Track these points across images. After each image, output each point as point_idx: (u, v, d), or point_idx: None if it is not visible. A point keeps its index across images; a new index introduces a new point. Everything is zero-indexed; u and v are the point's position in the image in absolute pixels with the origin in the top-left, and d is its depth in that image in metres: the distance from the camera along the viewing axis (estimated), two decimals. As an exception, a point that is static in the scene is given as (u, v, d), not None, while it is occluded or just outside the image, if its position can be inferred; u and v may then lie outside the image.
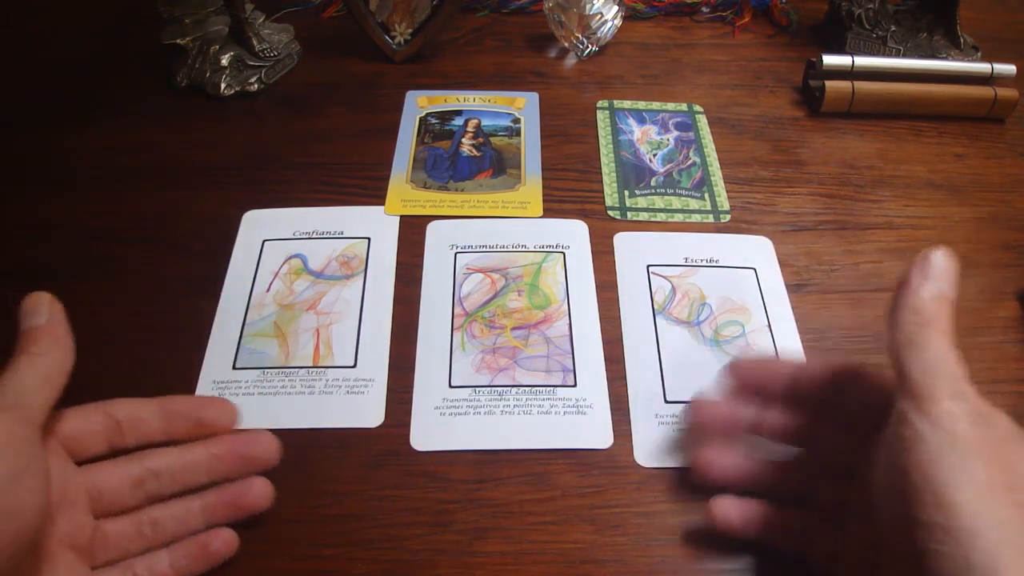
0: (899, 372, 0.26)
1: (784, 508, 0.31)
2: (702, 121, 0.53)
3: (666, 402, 0.37)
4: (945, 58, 0.57)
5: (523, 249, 0.44)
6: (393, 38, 0.56)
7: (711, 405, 0.33)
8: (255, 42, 0.54)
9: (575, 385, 0.38)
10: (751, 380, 0.33)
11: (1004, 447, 0.24)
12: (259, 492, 0.31)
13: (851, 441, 0.30)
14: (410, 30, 0.56)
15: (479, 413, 0.36)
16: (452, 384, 0.37)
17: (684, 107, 0.54)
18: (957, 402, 0.25)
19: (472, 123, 0.52)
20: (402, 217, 0.45)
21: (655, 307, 0.41)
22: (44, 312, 0.29)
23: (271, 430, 0.35)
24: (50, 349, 0.28)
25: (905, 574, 0.25)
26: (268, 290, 0.41)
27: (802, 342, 0.40)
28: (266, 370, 0.38)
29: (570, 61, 0.59)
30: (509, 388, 0.37)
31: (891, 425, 0.26)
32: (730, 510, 0.31)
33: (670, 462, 0.35)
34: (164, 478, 0.30)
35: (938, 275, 0.27)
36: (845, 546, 0.29)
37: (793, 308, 0.41)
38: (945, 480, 0.23)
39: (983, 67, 0.54)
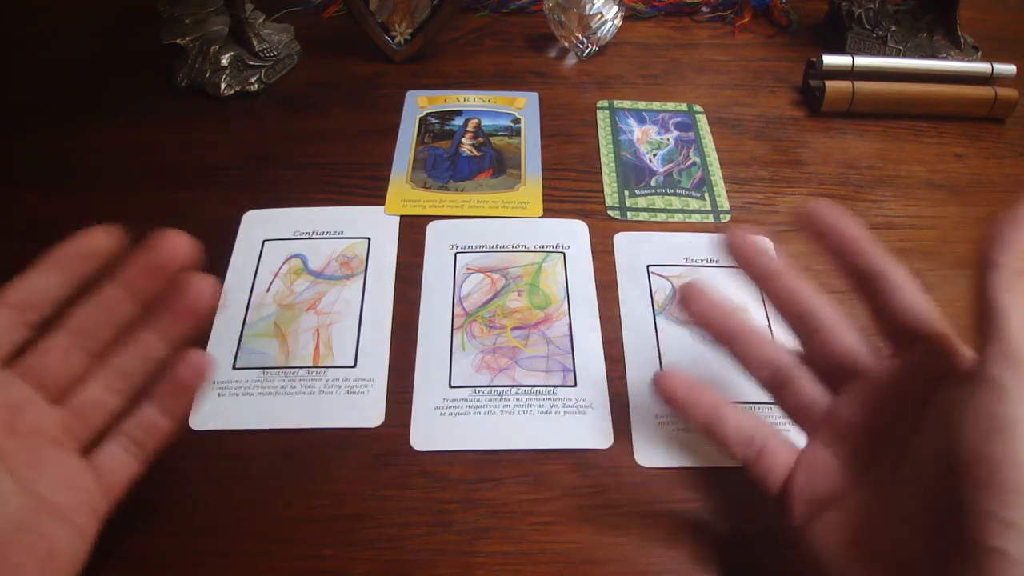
0: (989, 323, 0.22)
1: (740, 410, 0.30)
2: (702, 121, 0.53)
3: (666, 402, 0.37)
4: (945, 58, 0.57)
5: (523, 249, 0.44)
6: (393, 38, 0.56)
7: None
8: (255, 42, 0.54)
9: (575, 385, 0.38)
10: (823, 228, 0.30)
11: None
12: (199, 287, 0.29)
13: (850, 357, 0.29)
14: (410, 30, 0.56)
15: (479, 413, 0.36)
16: (452, 384, 0.37)
17: (684, 107, 0.54)
18: None
19: (472, 123, 0.52)
20: (402, 217, 0.46)
21: (655, 307, 0.41)
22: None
23: (271, 431, 0.36)
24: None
25: (936, 555, 0.22)
26: (268, 290, 0.41)
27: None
28: (266, 370, 0.38)
29: (570, 61, 0.59)
30: (509, 388, 0.37)
31: (978, 394, 0.22)
32: (676, 385, 0.30)
33: (670, 462, 0.35)
34: (93, 328, 0.28)
35: None
36: (803, 468, 0.28)
37: (793, 308, 0.41)
38: None
39: (983, 67, 0.54)
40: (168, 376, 0.29)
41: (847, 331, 0.30)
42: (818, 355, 0.30)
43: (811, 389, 0.30)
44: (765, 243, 0.31)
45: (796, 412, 0.30)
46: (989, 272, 0.22)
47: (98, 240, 0.30)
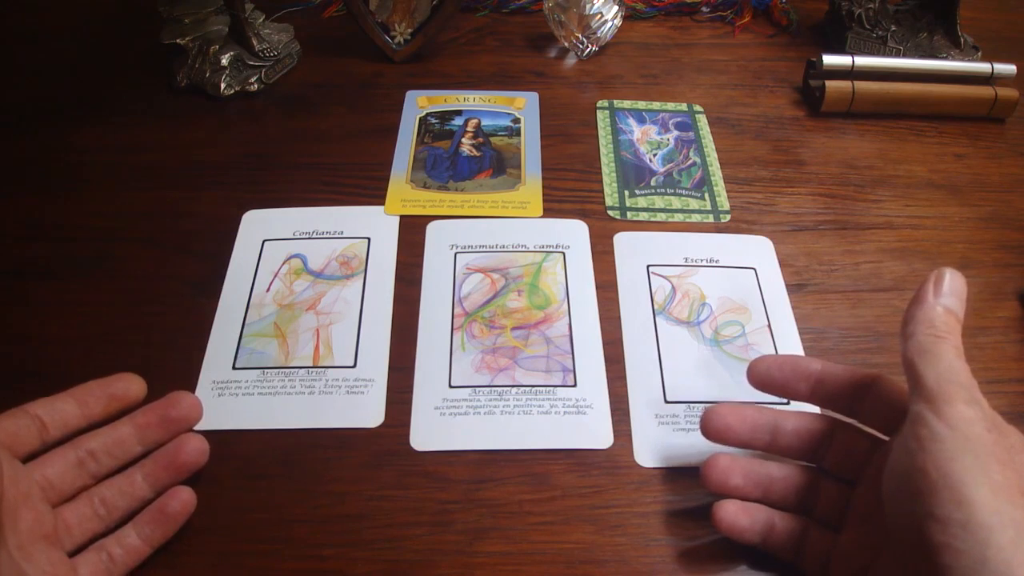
0: (914, 379, 0.27)
1: (784, 514, 0.31)
2: (702, 121, 0.53)
3: (666, 402, 0.37)
4: (945, 58, 0.57)
5: (523, 249, 0.44)
6: (393, 38, 0.56)
7: (729, 412, 0.33)
8: (255, 42, 0.54)
9: (575, 385, 0.38)
10: (776, 378, 0.33)
11: (1017, 455, 0.25)
12: (193, 448, 0.33)
13: (862, 446, 0.31)
14: (410, 30, 0.56)
15: (479, 413, 0.36)
16: (452, 384, 0.37)
17: (684, 107, 0.54)
18: (972, 407, 0.25)
19: (472, 123, 0.52)
20: (402, 217, 0.45)
21: (655, 307, 0.41)
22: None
23: (271, 431, 0.36)
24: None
25: (910, 572, 0.25)
26: (268, 290, 0.41)
27: (802, 342, 0.40)
28: (266, 370, 0.38)
29: (570, 61, 0.59)
30: (509, 388, 0.37)
31: (906, 427, 0.26)
32: (738, 515, 0.31)
33: (670, 462, 0.35)
34: (101, 455, 0.31)
35: (951, 292, 0.28)
36: (839, 551, 0.30)
37: (793, 308, 0.41)
38: (963, 478, 0.23)
39: (983, 67, 0.54)
40: (157, 507, 0.31)
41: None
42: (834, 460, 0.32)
43: (832, 486, 0.32)
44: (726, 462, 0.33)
45: (822, 511, 0.32)
46: (907, 343, 0.28)
47: (127, 386, 0.34)
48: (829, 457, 0.32)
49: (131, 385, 0.34)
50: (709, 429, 0.33)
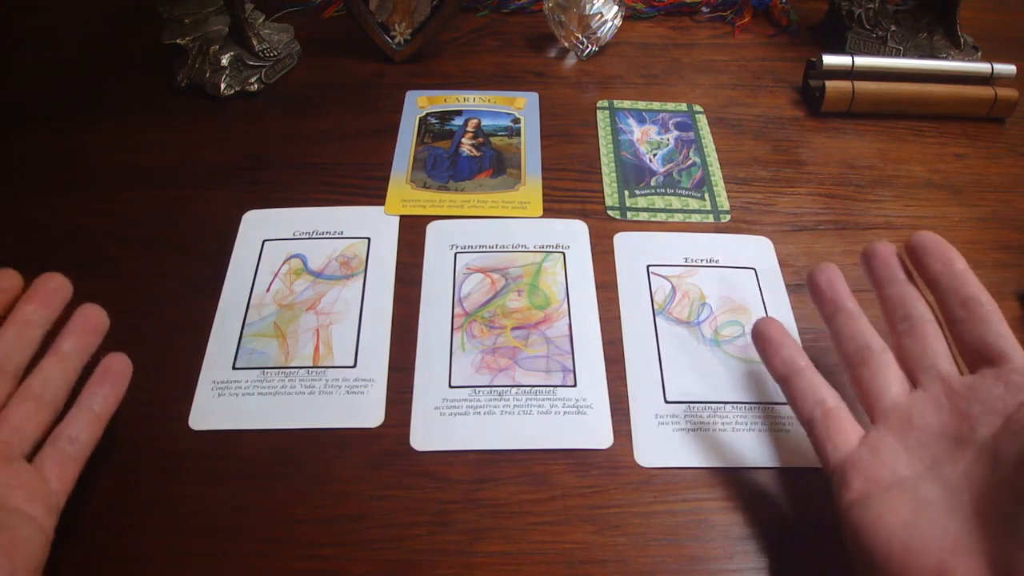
0: None
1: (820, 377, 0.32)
2: (702, 121, 0.53)
3: (666, 402, 0.37)
4: (945, 58, 0.57)
5: (523, 249, 0.44)
6: (393, 38, 0.56)
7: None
8: (255, 42, 0.54)
9: (575, 385, 0.38)
10: (930, 256, 0.33)
11: None
12: (95, 312, 0.34)
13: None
14: (410, 30, 0.56)
15: (479, 413, 0.36)
16: (452, 384, 0.37)
17: (684, 107, 0.54)
18: None
19: (472, 123, 0.52)
20: (402, 217, 0.45)
21: (655, 307, 0.41)
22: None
23: (271, 431, 0.36)
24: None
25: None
26: (268, 290, 0.41)
27: (802, 342, 0.40)
28: (266, 370, 0.38)
29: (570, 61, 0.59)
30: (509, 388, 0.37)
31: None
32: (772, 327, 0.33)
33: (670, 462, 0.35)
34: (11, 351, 0.31)
35: None
36: (871, 447, 0.30)
37: (793, 308, 0.41)
38: None
39: (983, 67, 0.54)
40: (100, 371, 0.33)
41: (939, 337, 0.32)
42: (906, 351, 0.32)
43: (891, 374, 0.31)
44: (891, 251, 0.35)
45: (868, 393, 0.31)
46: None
47: (9, 282, 0.34)
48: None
49: (10, 280, 0.34)
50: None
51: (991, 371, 0.29)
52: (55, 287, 0.34)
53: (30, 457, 0.30)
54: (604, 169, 0.49)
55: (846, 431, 0.30)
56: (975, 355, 0.30)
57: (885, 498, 0.28)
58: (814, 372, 0.32)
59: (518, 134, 0.52)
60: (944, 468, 0.28)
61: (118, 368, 0.33)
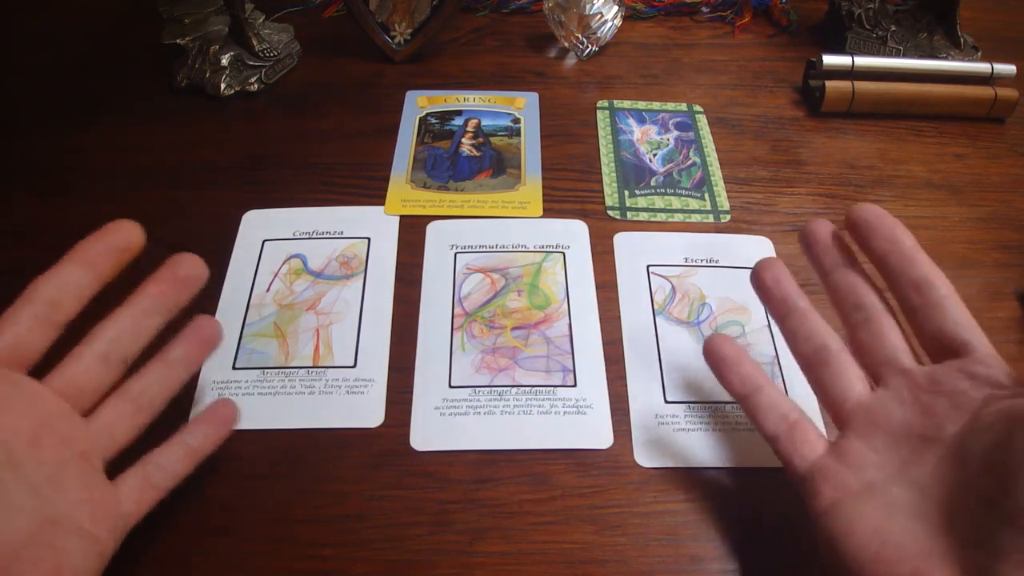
0: None
1: (779, 394, 0.31)
2: (702, 121, 0.53)
3: (666, 402, 0.37)
4: (945, 58, 0.57)
5: (523, 249, 0.44)
6: (393, 38, 0.56)
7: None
8: (255, 42, 0.54)
9: (575, 385, 0.38)
10: (873, 232, 0.31)
11: None
12: (210, 324, 0.32)
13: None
14: (410, 30, 0.56)
15: (479, 413, 0.36)
16: (452, 384, 0.37)
17: (684, 107, 0.54)
18: None
19: (472, 123, 0.52)
20: (402, 217, 0.45)
21: (655, 307, 0.41)
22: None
23: (271, 431, 0.36)
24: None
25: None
26: (268, 290, 0.41)
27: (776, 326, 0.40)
28: (266, 370, 0.38)
29: (570, 61, 0.59)
30: (509, 388, 0.37)
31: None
32: (726, 346, 0.32)
33: (670, 462, 0.35)
34: (126, 338, 0.29)
35: None
36: (837, 455, 0.29)
37: (793, 308, 0.41)
38: None
39: (983, 67, 0.54)
40: (205, 415, 0.31)
41: (895, 328, 0.30)
42: (864, 347, 0.30)
43: (852, 374, 0.30)
44: (831, 232, 0.33)
45: (830, 397, 0.30)
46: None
47: (125, 234, 0.31)
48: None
49: (130, 233, 0.31)
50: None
51: (954, 363, 0.28)
52: (188, 272, 0.31)
53: (113, 470, 0.28)
54: (604, 169, 0.49)
55: (811, 441, 0.29)
56: (935, 345, 0.29)
57: (855, 505, 0.27)
58: (773, 387, 0.31)
59: (518, 134, 0.52)
60: (912, 469, 0.27)
61: (225, 412, 0.32)
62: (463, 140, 0.51)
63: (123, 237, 0.31)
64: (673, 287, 0.42)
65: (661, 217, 0.46)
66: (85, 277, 0.29)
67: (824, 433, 0.31)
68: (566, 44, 0.58)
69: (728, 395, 0.37)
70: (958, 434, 0.27)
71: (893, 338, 0.30)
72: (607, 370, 0.38)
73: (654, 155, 0.50)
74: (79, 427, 0.28)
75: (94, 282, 0.30)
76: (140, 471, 0.29)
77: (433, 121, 0.52)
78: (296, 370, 0.38)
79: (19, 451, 0.25)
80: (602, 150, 0.51)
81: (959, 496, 0.25)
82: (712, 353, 0.32)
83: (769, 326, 0.40)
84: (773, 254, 0.44)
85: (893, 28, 0.58)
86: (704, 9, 0.64)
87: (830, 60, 0.53)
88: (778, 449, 0.30)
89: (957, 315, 0.29)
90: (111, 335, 0.29)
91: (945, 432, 0.27)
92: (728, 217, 0.46)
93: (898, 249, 0.30)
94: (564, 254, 0.44)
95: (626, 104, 0.54)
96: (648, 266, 0.43)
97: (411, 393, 0.37)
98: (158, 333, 0.31)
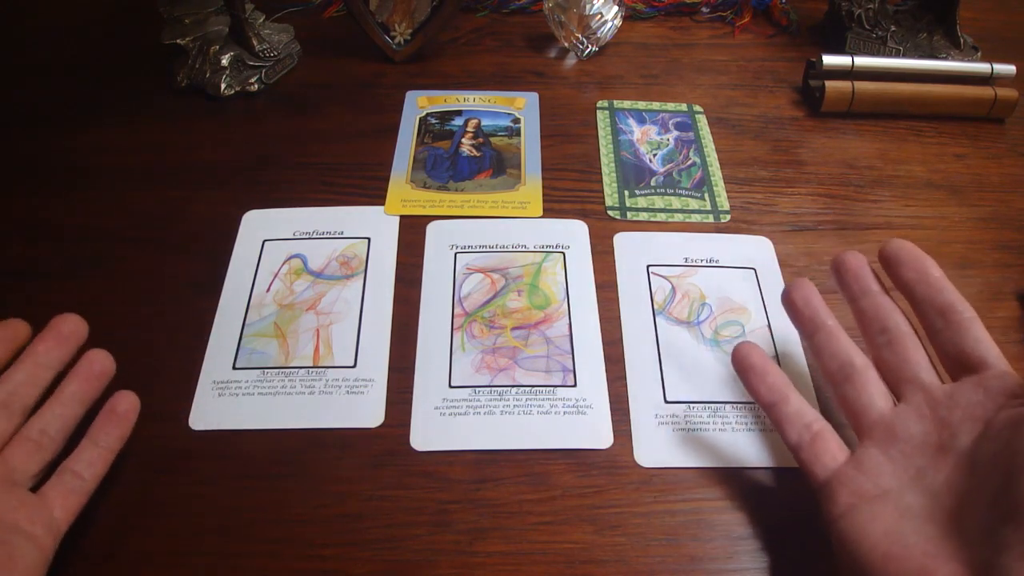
0: None
1: (803, 402, 0.33)
2: (702, 121, 0.53)
3: (666, 402, 0.37)
4: (945, 58, 0.57)
5: (523, 249, 0.44)
6: (393, 38, 0.56)
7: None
8: (255, 42, 0.54)
9: (575, 385, 0.38)
10: (904, 264, 0.33)
11: None
12: (101, 359, 0.34)
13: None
14: (410, 30, 0.56)
15: (479, 413, 0.36)
16: (452, 384, 0.37)
17: (684, 107, 0.54)
18: None
19: (472, 123, 0.52)
20: (402, 217, 0.45)
21: (655, 307, 0.41)
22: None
23: (271, 431, 0.36)
24: None
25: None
26: (268, 290, 0.41)
27: (802, 342, 0.40)
28: (266, 370, 0.38)
29: (570, 61, 0.59)
30: (509, 388, 0.37)
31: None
32: (755, 354, 0.33)
33: (670, 462, 0.35)
34: (20, 390, 0.32)
35: None
36: (857, 463, 0.30)
37: (793, 308, 0.41)
38: None
39: (983, 67, 0.54)
40: (106, 412, 0.33)
41: (919, 348, 0.32)
42: (888, 365, 0.32)
43: (875, 390, 0.31)
44: (863, 263, 0.35)
45: (853, 410, 0.32)
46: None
47: (12, 330, 0.34)
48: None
49: (18, 329, 0.34)
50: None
51: (972, 378, 0.30)
52: (71, 329, 0.34)
53: (35, 489, 0.30)
54: (604, 169, 0.49)
55: (832, 451, 0.31)
56: (956, 364, 0.31)
57: (869, 509, 0.28)
58: (798, 397, 0.32)
59: (518, 134, 0.52)
60: (927, 477, 0.28)
61: (124, 407, 0.33)
62: (463, 140, 0.51)
63: (13, 332, 0.34)
64: (673, 287, 0.42)
65: (661, 217, 0.46)
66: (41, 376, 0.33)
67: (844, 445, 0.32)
68: (566, 44, 0.58)
69: (730, 396, 0.37)
70: (971, 443, 0.28)
71: (915, 356, 0.31)
72: (607, 370, 0.38)
73: (654, 155, 0.50)
74: None
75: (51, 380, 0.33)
76: (59, 481, 0.31)
77: (433, 121, 0.52)
78: (296, 370, 0.38)
79: None
80: (602, 150, 0.51)
81: (969, 500, 0.27)
82: (741, 361, 0.33)
83: (769, 326, 0.40)
84: (773, 254, 0.44)
85: (893, 28, 0.58)
86: (704, 9, 0.64)
87: (830, 60, 0.53)
88: (799, 458, 0.31)
89: (978, 334, 0.30)
90: (5, 390, 0.32)
91: (959, 442, 0.28)
92: (728, 217, 0.46)
93: (925, 279, 0.32)
94: (564, 254, 0.44)
95: (626, 104, 0.54)
96: (648, 266, 0.43)
97: (411, 393, 0.37)
98: (49, 385, 0.33)
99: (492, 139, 0.51)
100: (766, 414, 0.33)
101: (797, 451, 0.31)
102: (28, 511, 0.29)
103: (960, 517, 0.26)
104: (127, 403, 0.33)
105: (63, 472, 0.31)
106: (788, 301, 0.35)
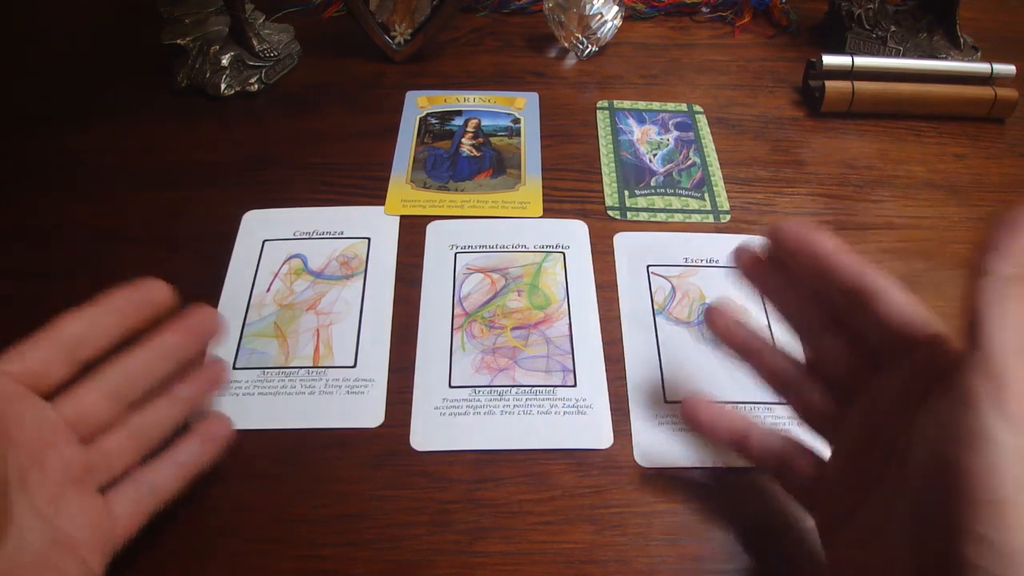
0: (974, 335, 0.21)
1: (764, 429, 0.32)
2: (702, 121, 0.53)
3: (666, 402, 0.37)
4: (945, 58, 0.57)
5: (523, 249, 0.44)
6: (393, 38, 0.56)
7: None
8: (255, 42, 0.54)
9: (575, 385, 0.38)
10: (791, 249, 0.30)
11: None
12: (218, 368, 0.33)
13: (855, 364, 0.29)
14: (410, 30, 0.56)
15: (479, 413, 0.36)
16: (452, 384, 0.37)
17: (684, 107, 0.54)
18: None
19: (472, 123, 0.52)
20: (402, 217, 0.46)
21: (655, 307, 0.41)
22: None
23: (271, 431, 0.36)
24: None
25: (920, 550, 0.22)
26: (268, 290, 0.41)
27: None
28: (266, 370, 0.38)
29: (570, 61, 0.59)
30: (509, 388, 0.37)
31: (952, 403, 0.22)
32: (700, 409, 0.32)
33: (670, 462, 0.35)
34: (137, 379, 0.30)
35: None
36: (825, 479, 0.29)
37: (793, 308, 0.41)
38: (1011, 497, 0.20)
39: (983, 67, 0.54)
40: (197, 433, 0.32)
41: (836, 344, 0.30)
42: (827, 361, 0.31)
43: (819, 398, 0.31)
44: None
45: (810, 419, 0.31)
46: (979, 280, 0.22)
47: (155, 293, 0.32)
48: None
49: (158, 293, 0.32)
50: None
51: (906, 359, 0.26)
52: (207, 325, 0.33)
53: (104, 489, 0.29)
54: (604, 169, 0.49)
55: (806, 471, 0.30)
56: (886, 340, 0.27)
57: (848, 530, 0.27)
58: (759, 428, 0.32)
59: (518, 134, 0.52)
60: (886, 484, 0.25)
61: (222, 432, 0.32)
62: (463, 140, 0.51)
63: (155, 295, 0.32)
64: (673, 287, 0.42)
65: (661, 217, 0.46)
66: (113, 323, 0.30)
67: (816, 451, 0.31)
68: (566, 44, 0.58)
69: (730, 396, 0.37)
70: (905, 445, 0.25)
71: (846, 352, 0.30)
72: (607, 370, 0.38)
73: (654, 155, 0.50)
74: (79, 453, 0.28)
75: (121, 330, 0.30)
76: (132, 491, 0.29)
77: (433, 121, 0.52)
78: (296, 370, 0.38)
79: (25, 469, 0.26)
80: (602, 150, 0.51)
81: (916, 499, 0.24)
82: (692, 420, 0.33)
83: (769, 326, 0.40)
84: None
85: (893, 28, 0.58)
86: (704, 9, 0.64)
87: (830, 60, 0.53)
88: (783, 487, 0.31)
89: (901, 303, 0.27)
90: (122, 374, 0.30)
91: (898, 442, 0.25)
92: (728, 217, 0.46)
93: (826, 256, 0.30)
94: (564, 254, 0.44)
95: (626, 104, 0.54)
96: (648, 266, 0.43)
97: (411, 393, 0.37)
98: (166, 377, 0.31)
99: (492, 139, 0.51)
100: (739, 456, 0.33)
101: (778, 481, 0.32)
102: (92, 529, 0.27)
103: (906, 530, 0.24)
104: (225, 430, 0.32)
105: (138, 482, 0.29)
106: (711, 332, 0.34)
